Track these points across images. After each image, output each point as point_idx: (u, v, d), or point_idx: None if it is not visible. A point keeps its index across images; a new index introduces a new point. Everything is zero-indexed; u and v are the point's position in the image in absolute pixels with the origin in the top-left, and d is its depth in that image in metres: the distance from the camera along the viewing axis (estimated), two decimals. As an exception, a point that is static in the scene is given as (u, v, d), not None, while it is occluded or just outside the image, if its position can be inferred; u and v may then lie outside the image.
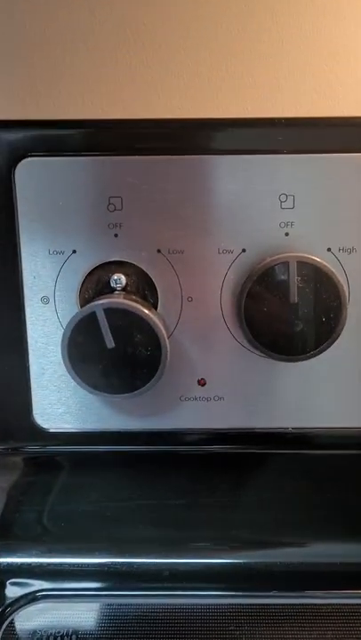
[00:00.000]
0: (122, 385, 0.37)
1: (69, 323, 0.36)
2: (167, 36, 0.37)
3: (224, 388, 0.40)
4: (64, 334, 0.36)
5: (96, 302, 0.35)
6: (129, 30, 0.37)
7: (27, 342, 0.39)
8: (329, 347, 0.36)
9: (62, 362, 0.37)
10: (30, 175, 0.37)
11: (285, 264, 0.34)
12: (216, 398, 0.40)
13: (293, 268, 0.34)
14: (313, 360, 0.37)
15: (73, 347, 0.36)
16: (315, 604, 0.47)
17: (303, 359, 0.36)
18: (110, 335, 0.35)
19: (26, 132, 0.37)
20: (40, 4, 0.36)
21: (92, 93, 0.37)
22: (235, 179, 0.36)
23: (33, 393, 0.40)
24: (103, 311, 0.35)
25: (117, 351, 0.35)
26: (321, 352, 0.36)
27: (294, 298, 0.34)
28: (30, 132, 0.37)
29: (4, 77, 0.37)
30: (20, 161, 0.37)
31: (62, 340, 0.36)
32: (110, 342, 0.35)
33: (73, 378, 0.37)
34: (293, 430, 0.41)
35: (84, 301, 0.38)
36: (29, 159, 0.37)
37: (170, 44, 0.37)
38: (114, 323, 0.35)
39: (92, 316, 0.35)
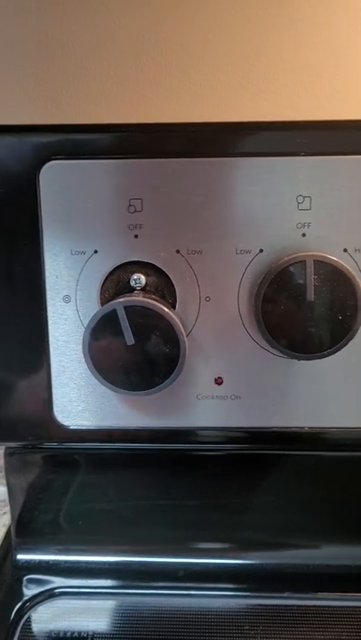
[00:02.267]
0: (141, 382, 0.37)
1: (91, 320, 0.36)
2: (187, 43, 0.37)
3: (241, 387, 0.40)
4: (85, 332, 0.37)
5: (117, 300, 0.36)
6: (150, 37, 0.38)
7: (48, 340, 0.40)
8: (346, 344, 0.36)
9: (83, 360, 0.38)
10: (54, 178, 0.38)
11: (302, 263, 0.35)
12: (233, 397, 0.40)
13: (310, 266, 0.35)
14: (329, 359, 0.37)
15: (94, 344, 0.37)
16: (328, 606, 0.47)
17: (320, 357, 0.36)
18: (130, 332, 0.36)
19: (49, 137, 0.38)
20: (62, 11, 0.37)
21: (113, 99, 0.38)
22: (252, 181, 0.37)
23: (53, 390, 0.41)
24: (124, 309, 0.36)
25: (137, 348, 0.36)
26: (338, 350, 0.36)
27: (311, 296, 0.35)
28: (54, 136, 0.38)
29: (27, 83, 0.38)
30: (43, 164, 0.38)
31: (84, 338, 0.37)
32: (130, 339, 0.36)
33: (93, 375, 0.37)
34: (309, 429, 0.41)
35: (105, 300, 0.39)
36: (53, 162, 0.38)
37: (190, 52, 0.38)
38: (134, 320, 0.36)
39: (112, 314, 0.36)
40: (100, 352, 0.37)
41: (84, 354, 0.37)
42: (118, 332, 0.36)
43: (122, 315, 0.36)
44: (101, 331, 0.36)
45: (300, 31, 0.37)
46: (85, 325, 0.38)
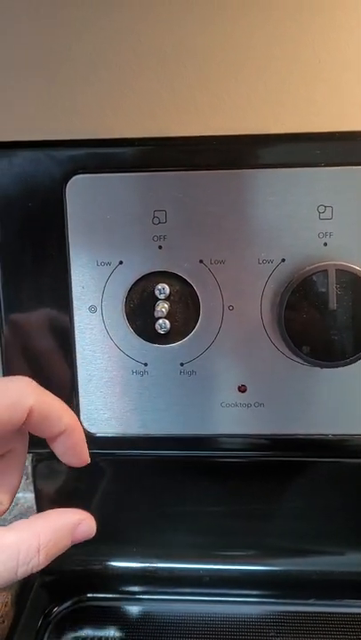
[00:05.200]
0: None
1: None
2: (207, 57, 0.38)
3: (264, 395, 0.41)
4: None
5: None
6: (171, 53, 0.38)
7: (75, 350, 0.41)
8: (368, 352, 0.36)
9: (109, 368, 0.39)
10: (80, 191, 0.39)
11: (324, 272, 0.35)
12: (256, 404, 0.41)
13: (332, 275, 0.35)
14: (353, 366, 0.38)
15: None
16: (355, 614, 0.47)
17: (343, 365, 0.37)
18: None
19: (75, 151, 0.39)
20: (81, 25, 0.38)
21: (136, 113, 0.39)
22: (274, 191, 0.38)
23: (80, 399, 0.42)
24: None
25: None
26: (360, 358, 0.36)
27: (333, 305, 0.35)
28: (80, 150, 0.39)
29: (54, 100, 0.39)
30: (70, 178, 0.39)
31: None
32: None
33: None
34: (333, 437, 0.41)
35: (130, 310, 0.40)
36: (79, 176, 0.39)
37: (210, 65, 0.38)
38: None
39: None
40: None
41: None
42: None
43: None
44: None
45: (316, 40, 0.38)
46: (110, 335, 0.39)
